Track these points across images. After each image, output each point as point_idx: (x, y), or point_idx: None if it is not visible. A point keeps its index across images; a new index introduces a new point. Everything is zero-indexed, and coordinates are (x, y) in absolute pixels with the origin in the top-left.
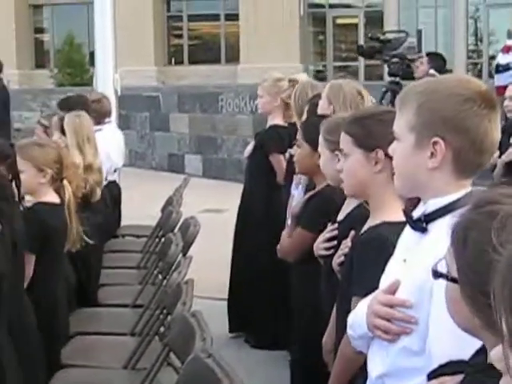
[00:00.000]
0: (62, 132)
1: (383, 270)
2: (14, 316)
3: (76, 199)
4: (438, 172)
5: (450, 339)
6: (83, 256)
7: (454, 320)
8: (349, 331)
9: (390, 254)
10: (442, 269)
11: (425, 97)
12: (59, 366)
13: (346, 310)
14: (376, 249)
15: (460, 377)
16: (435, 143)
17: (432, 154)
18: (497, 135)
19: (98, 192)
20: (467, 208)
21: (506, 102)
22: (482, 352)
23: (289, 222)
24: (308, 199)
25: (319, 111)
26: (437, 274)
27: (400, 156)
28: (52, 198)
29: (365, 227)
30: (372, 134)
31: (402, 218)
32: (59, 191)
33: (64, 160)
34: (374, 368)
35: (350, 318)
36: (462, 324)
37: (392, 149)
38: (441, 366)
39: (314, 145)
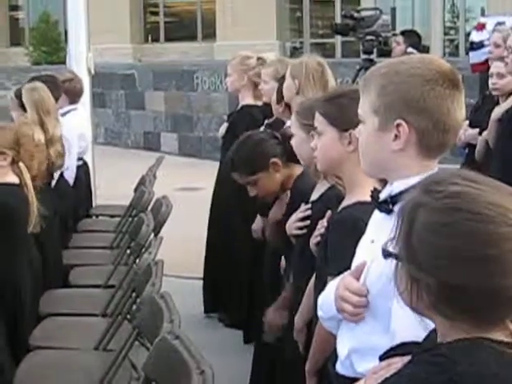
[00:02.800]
0: (22, 107)
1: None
2: None
3: (40, 178)
4: (403, 154)
5: (408, 319)
6: (49, 237)
7: (403, 300)
8: (319, 312)
9: (363, 234)
10: (393, 248)
11: (387, 79)
12: (27, 349)
13: (321, 290)
14: (349, 229)
15: (408, 357)
16: (398, 125)
17: (396, 136)
18: (460, 115)
19: (60, 162)
20: (416, 189)
21: (494, 80)
22: (434, 332)
23: None
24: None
25: (284, 90)
26: (386, 254)
27: (365, 138)
28: (11, 178)
29: (340, 207)
30: (345, 113)
31: None
32: (18, 172)
33: (22, 141)
34: (343, 349)
35: (320, 299)
36: (409, 304)
37: (358, 130)
38: (392, 348)
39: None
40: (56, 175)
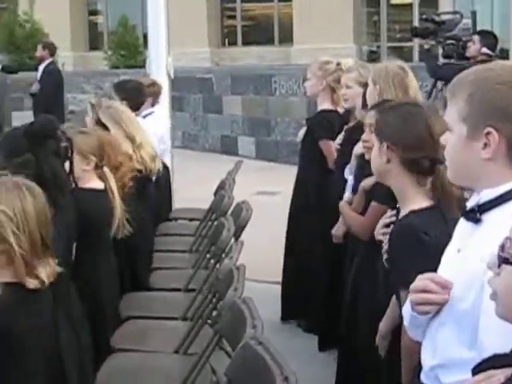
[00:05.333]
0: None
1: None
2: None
3: (128, 187)
4: (492, 162)
5: (498, 330)
6: (133, 241)
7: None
8: (404, 322)
9: (421, 242)
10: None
11: (475, 86)
12: (108, 351)
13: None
14: (405, 240)
15: (510, 369)
16: (488, 134)
17: (485, 144)
18: None
19: (156, 166)
20: None
21: None
22: None
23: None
24: None
25: (367, 95)
26: (502, 259)
27: (452, 146)
28: (95, 184)
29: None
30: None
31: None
32: (102, 177)
33: (107, 147)
34: (426, 359)
35: (404, 309)
36: None
37: (444, 139)
38: (485, 360)
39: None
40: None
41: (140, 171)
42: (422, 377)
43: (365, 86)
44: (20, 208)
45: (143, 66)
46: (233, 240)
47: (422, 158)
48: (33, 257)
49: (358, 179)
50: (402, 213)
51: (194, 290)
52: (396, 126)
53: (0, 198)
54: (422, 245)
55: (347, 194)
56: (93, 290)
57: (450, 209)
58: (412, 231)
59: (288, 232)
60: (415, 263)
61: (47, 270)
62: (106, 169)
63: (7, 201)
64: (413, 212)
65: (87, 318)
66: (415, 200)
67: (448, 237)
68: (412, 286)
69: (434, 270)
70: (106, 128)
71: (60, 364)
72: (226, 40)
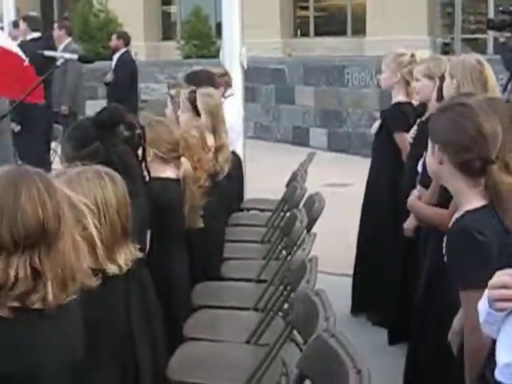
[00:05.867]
0: (194, 111)
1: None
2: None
3: (203, 180)
4: None
5: None
6: (205, 231)
7: None
8: (479, 319)
9: (477, 242)
10: None
11: None
12: (181, 340)
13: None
14: (461, 240)
15: None
16: None
17: None
18: None
19: (226, 169)
20: None
21: None
22: None
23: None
24: None
25: (444, 88)
26: None
27: None
28: (170, 174)
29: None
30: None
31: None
32: (178, 168)
33: (187, 140)
34: (502, 356)
35: (479, 306)
36: None
37: None
38: None
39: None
40: None
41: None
42: (497, 374)
43: (441, 78)
44: (101, 196)
45: (216, 56)
46: (305, 232)
47: (473, 159)
48: (113, 243)
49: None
50: (459, 213)
51: (265, 280)
52: (446, 128)
53: (81, 186)
54: (477, 244)
55: (419, 188)
56: (165, 278)
57: (503, 208)
58: (467, 231)
59: (361, 225)
60: (471, 262)
61: (126, 257)
62: (183, 159)
63: (88, 189)
64: (468, 212)
65: (161, 306)
66: (470, 200)
67: (503, 235)
68: (490, 283)
69: (490, 268)
70: (197, 112)
71: (133, 351)
72: (299, 31)
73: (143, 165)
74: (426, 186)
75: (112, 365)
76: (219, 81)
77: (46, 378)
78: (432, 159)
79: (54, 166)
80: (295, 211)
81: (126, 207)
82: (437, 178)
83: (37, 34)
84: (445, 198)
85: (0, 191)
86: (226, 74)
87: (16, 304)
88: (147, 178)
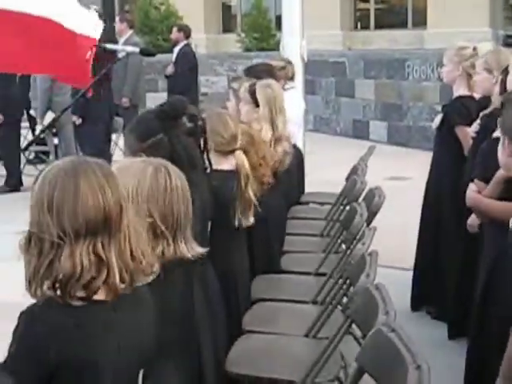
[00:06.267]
0: (254, 103)
1: None
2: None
3: (267, 177)
4: None
5: None
6: (265, 224)
7: None
8: None
9: None
10: None
11: None
12: (240, 332)
13: None
14: None
15: None
16: None
17: None
18: None
19: (287, 161)
20: None
21: None
22: None
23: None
24: None
25: (508, 82)
26: None
27: None
28: (228, 166)
29: None
30: None
31: None
32: (236, 160)
33: (246, 133)
34: None
35: None
36: None
37: None
38: None
39: None
40: None
41: None
42: None
43: (504, 71)
44: (164, 187)
45: (276, 49)
46: (365, 225)
47: None
48: (175, 233)
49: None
50: None
51: (324, 274)
52: None
53: (145, 177)
54: None
55: (476, 182)
56: (226, 270)
57: None
58: None
59: (422, 220)
60: None
61: (186, 248)
62: (238, 152)
63: (153, 180)
64: None
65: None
66: None
67: None
68: None
69: None
70: (256, 103)
71: (196, 343)
72: (359, 23)
73: (205, 156)
74: (485, 179)
75: (177, 356)
76: (279, 74)
77: (108, 366)
78: (502, 151)
79: (114, 157)
80: (355, 205)
81: (187, 198)
82: (507, 170)
83: None
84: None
85: (60, 181)
86: (285, 67)
87: (83, 294)
88: (208, 170)
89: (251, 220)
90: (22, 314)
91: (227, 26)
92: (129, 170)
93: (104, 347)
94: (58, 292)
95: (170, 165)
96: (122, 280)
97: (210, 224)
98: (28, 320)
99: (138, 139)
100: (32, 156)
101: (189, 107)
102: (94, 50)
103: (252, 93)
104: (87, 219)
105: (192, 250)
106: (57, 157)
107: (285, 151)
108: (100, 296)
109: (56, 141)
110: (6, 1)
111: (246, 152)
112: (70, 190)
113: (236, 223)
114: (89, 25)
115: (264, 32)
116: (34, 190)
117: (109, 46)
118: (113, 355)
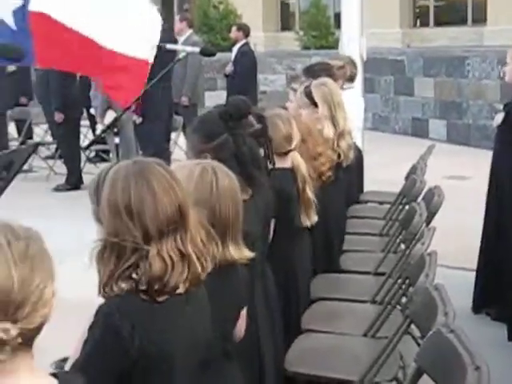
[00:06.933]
0: (312, 104)
1: None
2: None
3: (326, 177)
4: None
5: None
6: (326, 223)
7: None
8: None
9: None
10: None
11: None
12: (299, 331)
13: None
14: None
15: None
16: None
17: None
18: None
19: (351, 155)
20: None
21: None
22: None
23: None
24: None
25: None
26: None
27: None
28: (288, 164)
29: None
30: None
31: None
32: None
33: (306, 136)
34: None
35: None
36: None
37: None
38: None
39: None
40: None
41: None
42: None
43: None
44: (210, 187)
45: (334, 47)
46: (424, 225)
47: None
48: (224, 235)
49: None
50: None
51: (383, 273)
52: None
53: (192, 177)
54: None
55: None
56: (288, 269)
57: None
58: None
59: (485, 220)
60: None
61: (235, 250)
62: (293, 153)
63: (198, 180)
64: None
65: (281, 297)
66: None
67: None
68: None
69: None
70: (314, 104)
71: (257, 342)
72: (418, 20)
73: (268, 155)
74: None
75: (237, 354)
76: (337, 73)
77: (181, 358)
78: None
79: (173, 156)
80: (414, 205)
81: (238, 201)
82: None
83: None
84: None
85: (133, 186)
86: (343, 66)
87: (168, 289)
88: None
89: (315, 219)
90: (99, 309)
91: (285, 24)
92: (181, 170)
93: (178, 340)
94: (142, 287)
95: (219, 165)
96: (202, 267)
97: (273, 223)
98: (108, 314)
99: (202, 140)
100: (92, 154)
101: (253, 108)
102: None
103: (308, 94)
104: (167, 218)
105: (241, 253)
106: (118, 156)
107: (348, 145)
108: (180, 289)
109: (117, 140)
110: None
111: (303, 141)
112: (146, 192)
113: (299, 222)
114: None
115: (322, 30)
116: (104, 197)
117: (169, 46)
118: (185, 348)
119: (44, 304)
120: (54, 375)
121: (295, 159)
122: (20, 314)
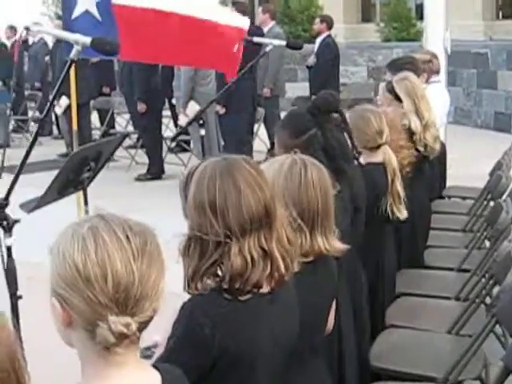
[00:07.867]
0: (397, 100)
1: None
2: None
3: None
4: None
5: None
6: (411, 218)
7: None
8: None
9: None
10: None
11: None
12: (383, 326)
13: None
14: None
15: None
16: None
17: None
18: None
19: (437, 147)
20: None
21: None
22: None
23: None
24: None
25: None
26: None
27: None
28: (378, 159)
29: None
30: None
31: None
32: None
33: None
34: None
35: None
36: None
37: None
38: None
39: None
40: None
41: (419, 150)
42: None
43: None
44: (299, 179)
45: (416, 40)
46: (511, 223)
47: None
48: (313, 227)
49: None
50: None
51: (467, 270)
52: None
53: (281, 170)
54: None
55: None
56: (376, 261)
57: None
58: None
59: None
60: None
61: (324, 243)
62: (384, 147)
63: (287, 172)
64: None
65: (368, 290)
66: None
67: None
68: None
69: None
70: (398, 99)
71: (339, 340)
72: (501, 12)
73: (354, 146)
74: None
75: (322, 350)
76: (423, 67)
77: (263, 357)
78: None
79: (254, 147)
80: (500, 201)
81: (328, 192)
82: None
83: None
84: None
85: (219, 183)
86: (431, 60)
87: (250, 287)
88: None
89: (404, 213)
90: (184, 305)
91: (366, 16)
92: (272, 164)
93: (261, 340)
94: (225, 286)
95: (309, 158)
96: (286, 268)
97: (364, 216)
98: (192, 311)
99: (292, 135)
100: (173, 145)
101: (340, 101)
102: (242, 42)
103: (391, 90)
104: (251, 215)
105: (331, 245)
106: (203, 148)
107: (434, 137)
108: (264, 288)
109: (203, 132)
110: (156, 2)
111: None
112: (231, 189)
113: (388, 216)
114: (236, 17)
115: (404, 21)
116: (190, 194)
117: (256, 39)
118: (267, 348)
119: (158, 298)
120: (154, 367)
121: (386, 152)
122: (138, 309)
